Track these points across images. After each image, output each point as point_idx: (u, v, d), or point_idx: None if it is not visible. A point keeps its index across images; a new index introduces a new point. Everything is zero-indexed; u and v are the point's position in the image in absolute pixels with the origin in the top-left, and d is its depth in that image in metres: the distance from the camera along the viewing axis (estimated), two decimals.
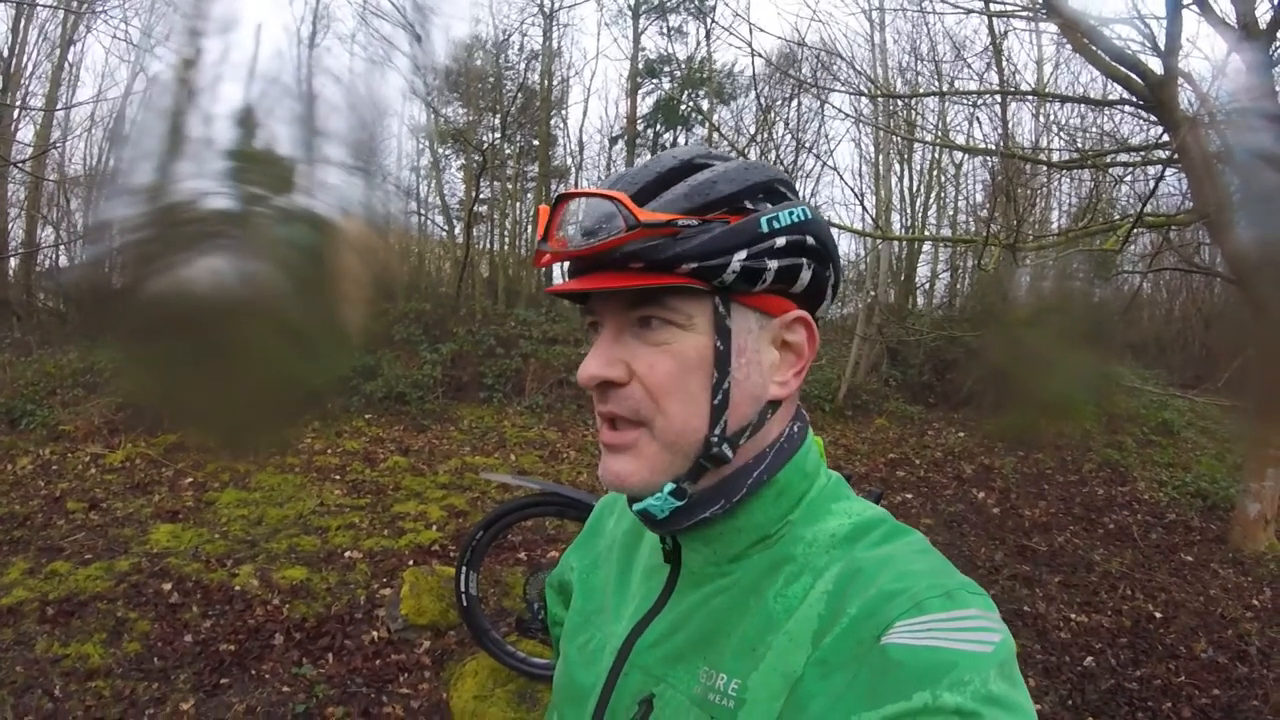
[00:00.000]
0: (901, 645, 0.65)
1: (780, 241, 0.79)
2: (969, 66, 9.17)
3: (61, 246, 11.16)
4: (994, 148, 8.51)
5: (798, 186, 0.86)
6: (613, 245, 0.76)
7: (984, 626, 0.67)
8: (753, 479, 0.83)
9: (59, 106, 10.91)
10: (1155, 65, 5.03)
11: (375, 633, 4.57)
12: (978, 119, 12.69)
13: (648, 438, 0.81)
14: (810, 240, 0.81)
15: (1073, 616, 5.41)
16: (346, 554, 5.61)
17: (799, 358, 0.85)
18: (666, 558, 0.93)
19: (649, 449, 0.81)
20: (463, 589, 4.04)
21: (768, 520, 0.84)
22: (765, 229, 0.79)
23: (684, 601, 0.88)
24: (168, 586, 4.89)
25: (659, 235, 0.76)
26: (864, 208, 12.44)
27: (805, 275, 0.82)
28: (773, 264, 0.79)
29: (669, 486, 0.81)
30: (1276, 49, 4.85)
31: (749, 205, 0.80)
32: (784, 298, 0.83)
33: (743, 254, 0.77)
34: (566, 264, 0.85)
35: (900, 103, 9.98)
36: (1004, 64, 7.56)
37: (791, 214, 0.80)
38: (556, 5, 15.43)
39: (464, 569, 4.05)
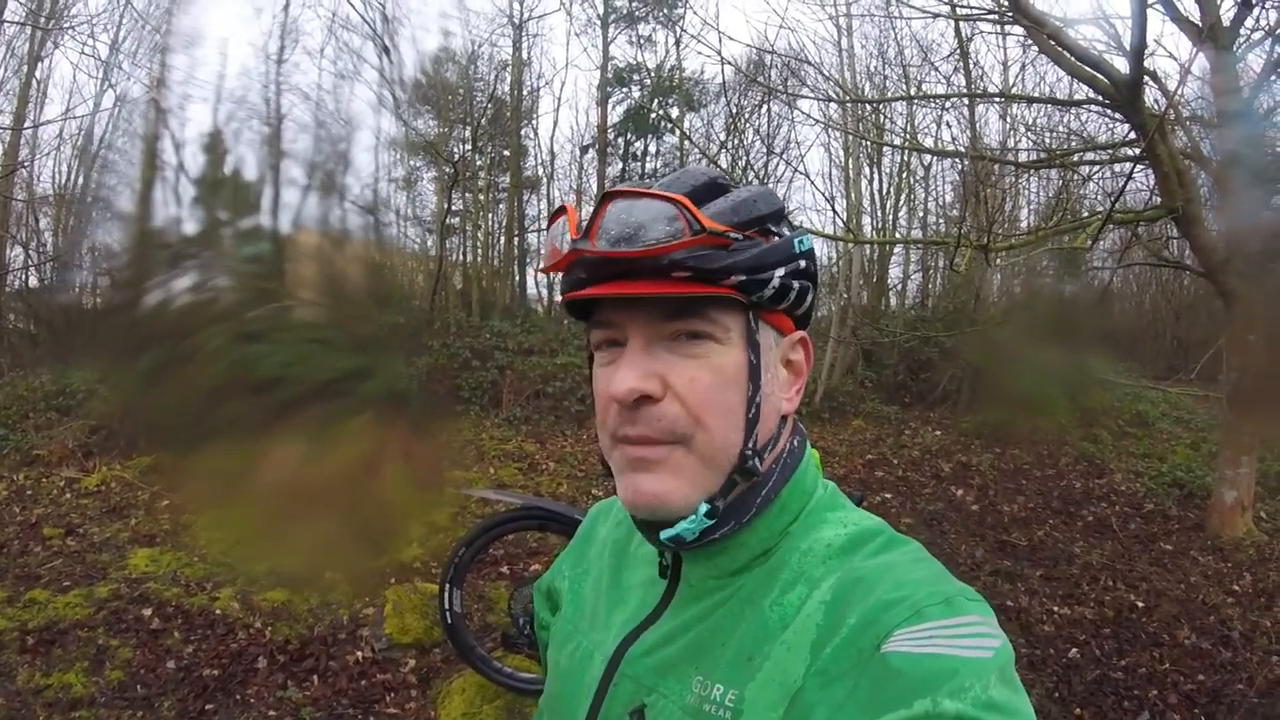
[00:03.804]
0: (902, 653, 0.65)
1: (803, 264, 0.82)
2: (936, 70, 9.28)
3: (31, 267, 11.00)
4: (962, 150, 8.59)
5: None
6: (672, 249, 0.74)
7: (983, 632, 0.67)
8: (761, 497, 0.83)
9: (27, 125, 10.76)
10: (1121, 65, 5.09)
11: (359, 653, 4.53)
12: (946, 121, 12.80)
13: (683, 453, 0.79)
14: (812, 267, 0.85)
15: (1056, 609, 5.45)
16: (327, 574, 5.55)
17: (798, 376, 0.88)
18: (663, 571, 0.92)
19: (686, 465, 0.79)
20: (447, 607, 4.01)
21: (770, 535, 0.85)
22: (797, 250, 0.81)
23: (681, 614, 0.87)
24: (148, 612, 4.83)
25: (713, 244, 0.76)
26: (835, 211, 12.54)
27: (809, 298, 0.85)
28: (796, 284, 0.82)
29: (704, 507, 0.79)
30: (1240, 47, 4.93)
31: (772, 228, 0.82)
32: (790, 318, 0.85)
33: (781, 271, 0.79)
34: (579, 272, 0.82)
35: (869, 107, 10.06)
36: (971, 67, 7.64)
37: (806, 240, 0.84)
38: (525, 15, 15.45)
39: (447, 586, 4.02)
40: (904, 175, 15.48)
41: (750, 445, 0.80)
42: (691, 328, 0.78)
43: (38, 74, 11.46)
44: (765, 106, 14.73)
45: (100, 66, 10.18)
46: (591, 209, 0.79)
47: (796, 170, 13.98)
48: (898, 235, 14.62)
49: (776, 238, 0.81)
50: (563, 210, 0.83)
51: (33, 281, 11.14)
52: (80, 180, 11.16)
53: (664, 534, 0.81)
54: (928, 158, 14.22)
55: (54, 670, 4.12)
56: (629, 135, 17.02)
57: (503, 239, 16.29)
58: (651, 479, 0.80)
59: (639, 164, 16.96)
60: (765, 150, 14.39)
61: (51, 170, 12.36)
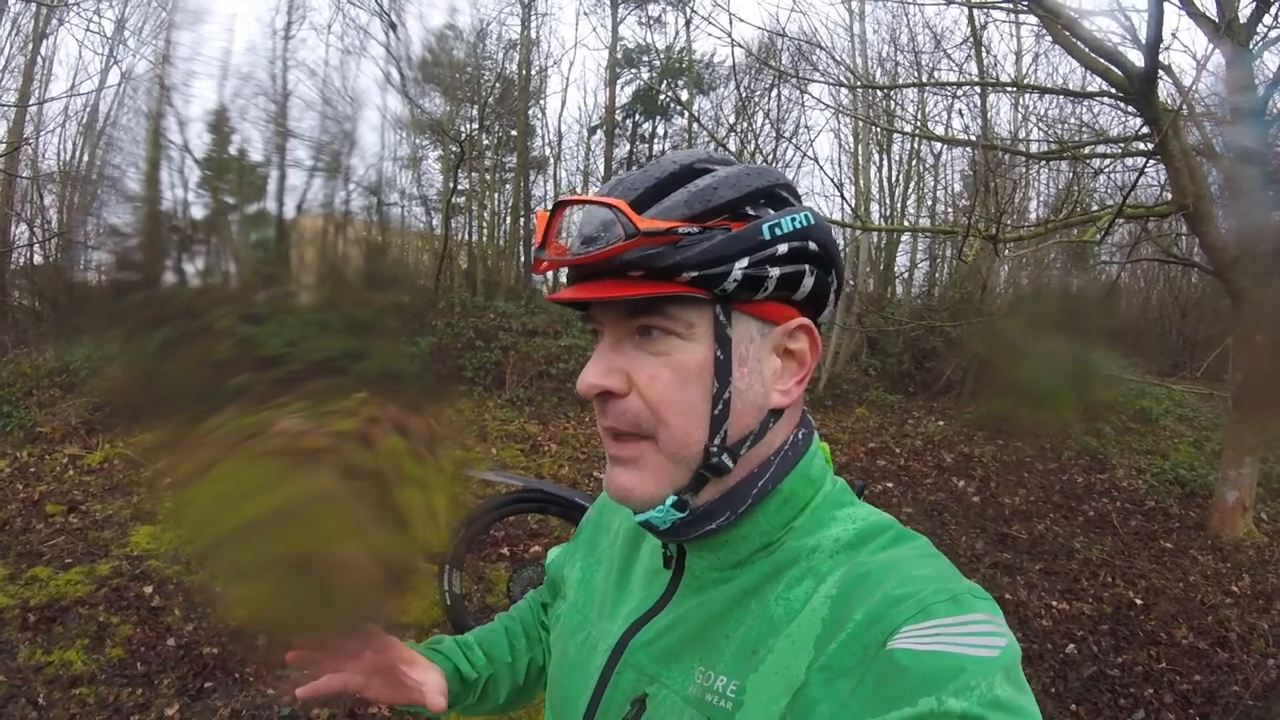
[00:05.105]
0: (907, 650, 0.65)
1: (782, 248, 0.78)
2: (948, 57, 9.21)
3: (36, 244, 10.99)
4: (973, 138, 8.54)
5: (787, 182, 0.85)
6: (612, 254, 0.75)
7: (990, 631, 0.66)
8: (757, 489, 0.83)
9: (31, 102, 10.73)
10: (1136, 58, 5.05)
11: None
12: (957, 109, 12.72)
13: (652, 450, 0.81)
14: (813, 246, 0.80)
15: (1054, 604, 5.46)
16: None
17: (801, 366, 0.85)
18: (668, 562, 0.92)
19: (653, 461, 0.81)
20: (446, 587, 4.02)
21: (772, 527, 0.84)
22: (767, 236, 0.77)
23: (684, 605, 0.88)
24: (149, 590, 4.85)
25: (659, 243, 0.75)
26: (843, 198, 12.45)
27: (808, 282, 0.81)
28: (775, 271, 0.78)
29: (670, 499, 0.81)
30: (1256, 44, 4.88)
31: (750, 211, 0.79)
32: (786, 305, 0.82)
33: (744, 262, 0.76)
34: (566, 271, 0.84)
35: (879, 93, 10.00)
36: (983, 55, 7.56)
37: (794, 220, 0.79)
38: None
39: (447, 567, 4.03)
40: (913, 163, 15.42)
41: (717, 442, 0.80)
42: (650, 325, 0.79)
43: (43, 51, 11.42)
44: (775, 90, 14.67)
45: (105, 43, 10.14)
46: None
47: (806, 155, 13.97)
48: (906, 223, 14.58)
49: (752, 221, 0.78)
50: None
51: (37, 259, 11.13)
52: (85, 157, 11.13)
53: (637, 518, 0.84)
54: (938, 146, 14.17)
55: (55, 647, 4.14)
56: (637, 117, 16.95)
57: (508, 219, 16.25)
58: (621, 473, 0.82)
59: (646, 146, 16.92)
60: (775, 134, 14.35)
61: (56, 147, 12.33)
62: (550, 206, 0.82)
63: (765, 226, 0.77)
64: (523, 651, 1.25)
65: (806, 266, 0.81)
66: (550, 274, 0.93)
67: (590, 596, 1.05)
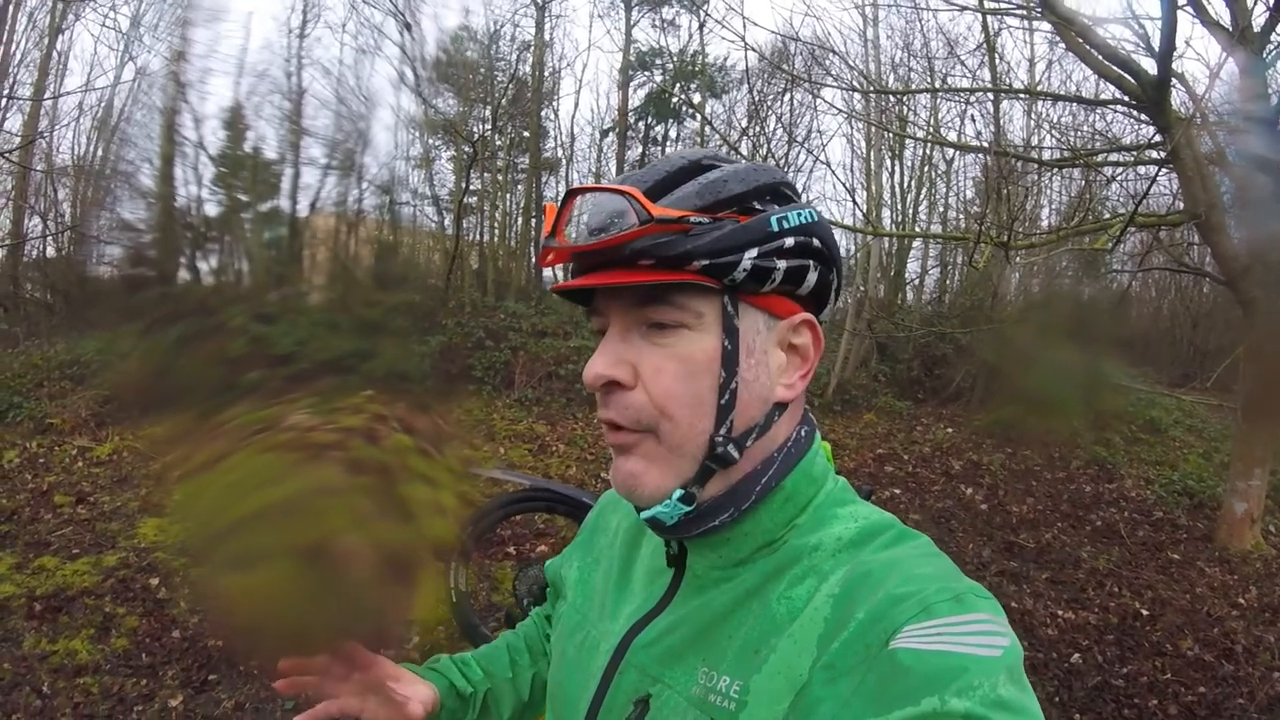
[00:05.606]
0: (910, 650, 0.65)
1: (789, 242, 0.79)
2: (962, 63, 9.19)
3: (49, 237, 11.04)
4: (985, 145, 8.52)
5: (790, 181, 0.86)
6: (625, 240, 0.76)
7: (992, 631, 0.66)
8: (761, 485, 0.83)
9: (46, 96, 10.79)
10: (1149, 66, 5.03)
11: None
12: (970, 116, 12.69)
13: (654, 442, 0.81)
14: (816, 242, 0.82)
15: (1060, 613, 5.44)
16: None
17: (804, 361, 0.85)
18: (670, 561, 0.92)
19: (656, 452, 0.81)
20: (452, 585, 4.02)
21: (775, 525, 0.84)
22: (775, 228, 0.79)
23: (686, 604, 0.88)
24: (155, 581, 4.87)
25: (671, 231, 0.76)
26: (855, 203, 12.43)
27: (811, 277, 0.82)
28: (781, 264, 0.79)
29: (678, 493, 0.81)
30: (1270, 52, 4.86)
31: (757, 205, 0.80)
32: (790, 299, 0.83)
33: (754, 252, 0.77)
34: (570, 263, 0.85)
35: (892, 99, 9.98)
36: (997, 61, 7.55)
37: (800, 215, 0.81)
38: None
39: (453, 564, 4.03)
40: (925, 169, 15.42)
41: (722, 432, 0.80)
42: (659, 315, 0.79)
43: (58, 46, 11.48)
44: (788, 95, 14.65)
45: (121, 39, 10.20)
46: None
47: (818, 160, 13.92)
48: (917, 229, 14.52)
49: (760, 214, 0.79)
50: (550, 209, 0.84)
51: (50, 252, 11.18)
52: (99, 152, 11.20)
53: (642, 514, 0.83)
54: (950, 152, 14.15)
55: (60, 636, 4.17)
56: (649, 119, 16.96)
57: (520, 220, 16.29)
58: (627, 460, 0.82)
59: (659, 149, 16.92)
60: (787, 138, 14.33)
61: (71, 142, 12.40)
62: (560, 197, 0.82)
63: (773, 219, 0.79)
64: (525, 666, 1.24)
65: (810, 262, 0.82)
66: (561, 272, 0.93)
67: (589, 596, 1.05)
